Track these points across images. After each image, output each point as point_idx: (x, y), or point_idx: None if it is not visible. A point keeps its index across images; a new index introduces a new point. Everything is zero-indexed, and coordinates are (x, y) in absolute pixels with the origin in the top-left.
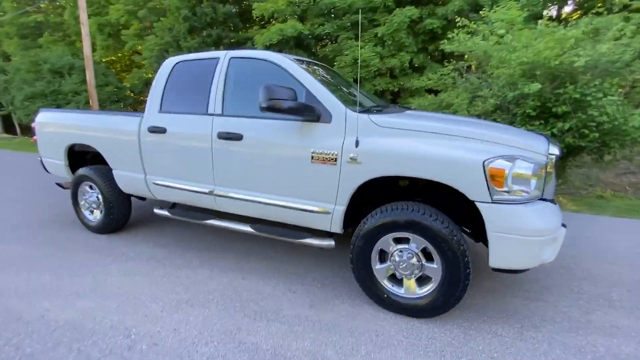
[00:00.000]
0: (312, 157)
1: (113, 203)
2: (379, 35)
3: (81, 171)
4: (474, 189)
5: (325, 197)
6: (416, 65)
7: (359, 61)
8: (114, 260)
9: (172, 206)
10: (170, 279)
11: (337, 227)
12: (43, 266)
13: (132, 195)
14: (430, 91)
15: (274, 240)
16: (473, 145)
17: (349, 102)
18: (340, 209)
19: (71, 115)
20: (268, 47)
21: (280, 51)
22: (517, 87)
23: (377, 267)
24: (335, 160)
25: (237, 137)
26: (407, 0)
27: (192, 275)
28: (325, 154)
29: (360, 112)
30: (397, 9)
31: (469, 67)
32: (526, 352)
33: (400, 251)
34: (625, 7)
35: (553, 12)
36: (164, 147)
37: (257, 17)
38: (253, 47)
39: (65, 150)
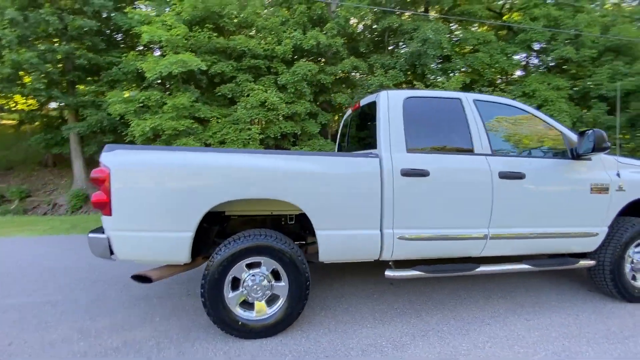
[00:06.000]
0: (592, 189)
1: (309, 280)
2: (279, 82)
3: (249, 241)
4: None
5: (596, 221)
6: (309, 112)
7: (617, 104)
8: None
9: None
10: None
11: (595, 246)
12: None
13: None
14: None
15: (487, 279)
16: None
17: None
18: (605, 230)
19: (234, 157)
20: (159, 78)
21: (166, 85)
22: None
23: None
24: (607, 190)
25: (520, 176)
26: (300, 55)
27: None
28: (601, 184)
29: None
30: (298, 61)
31: None
32: None
33: None
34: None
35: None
36: (426, 192)
37: (142, 43)
38: (123, 74)
39: (202, 215)
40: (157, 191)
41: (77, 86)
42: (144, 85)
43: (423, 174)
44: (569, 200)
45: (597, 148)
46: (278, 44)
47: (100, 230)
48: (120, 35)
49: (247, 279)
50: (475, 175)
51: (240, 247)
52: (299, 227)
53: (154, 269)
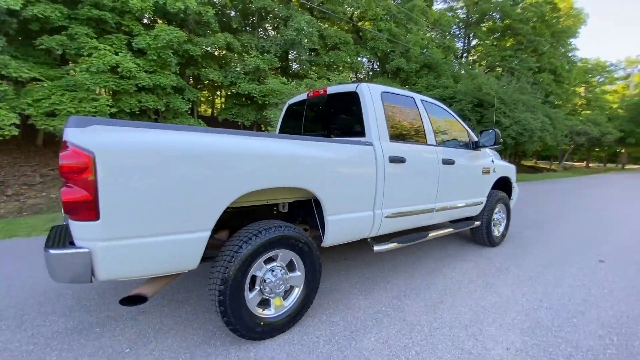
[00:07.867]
0: (483, 171)
1: (321, 265)
2: (135, 45)
3: (271, 233)
4: None
5: (483, 193)
6: (174, 86)
7: (494, 109)
8: None
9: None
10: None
11: (479, 211)
12: None
13: None
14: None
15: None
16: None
17: None
18: (485, 199)
19: (266, 142)
20: None
21: None
22: None
23: None
24: (489, 171)
25: (452, 162)
26: (161, 18)
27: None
28: (487, 167)
29: None
30: (162, 25)
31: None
32: None
33: None
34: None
35: None
36: (403, 176)
37: None
38: None
39: (224, 209)
40: (168, 182)
41: None
42: None
43: (402, 160)
44: (473, 179)
45: (496, 142)
46: None
47: (63, 242)
48: None
49: (266, 275)
50: (432, 161)
51: (263, 240)
52: (285, 215)
53: (143, 285)
